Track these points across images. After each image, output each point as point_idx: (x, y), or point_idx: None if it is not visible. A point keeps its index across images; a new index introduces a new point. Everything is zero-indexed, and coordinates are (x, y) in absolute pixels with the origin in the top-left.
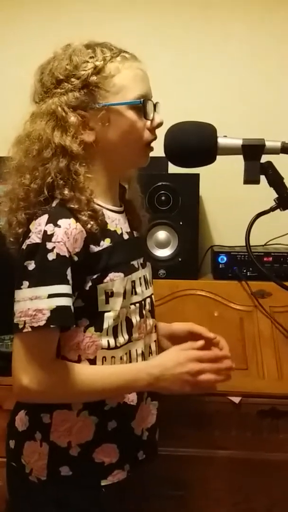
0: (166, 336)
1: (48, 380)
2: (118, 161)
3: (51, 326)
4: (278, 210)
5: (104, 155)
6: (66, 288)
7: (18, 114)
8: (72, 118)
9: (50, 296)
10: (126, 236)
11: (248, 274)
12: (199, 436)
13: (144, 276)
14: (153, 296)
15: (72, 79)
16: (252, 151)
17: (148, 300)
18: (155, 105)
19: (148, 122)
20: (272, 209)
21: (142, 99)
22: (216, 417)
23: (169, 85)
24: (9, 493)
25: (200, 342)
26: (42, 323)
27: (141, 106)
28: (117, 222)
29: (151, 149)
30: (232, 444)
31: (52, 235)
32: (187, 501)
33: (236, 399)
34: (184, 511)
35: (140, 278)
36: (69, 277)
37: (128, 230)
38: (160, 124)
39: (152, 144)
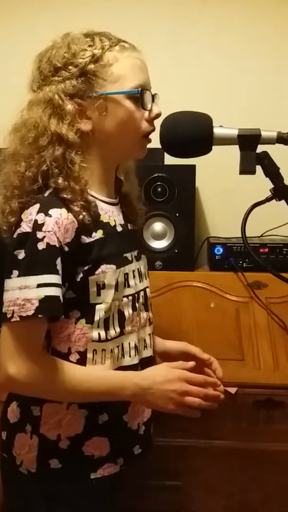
0: (158, 352)
1: (36, 373)
2: (115, 152)
3: (39, 316)
4: (274, 200)
5: (100, 144)
6: (55, 278)
7: (13, 105)
8: (69, 106)
9: (39, 285)
10: (119, 228)
11: (244, 266)
12: (195, 427)
13: (138, 269)
14: (148, 289)
15: (70, 67)
16: (248, 141)
17: (142, 293)
18: (153, 96)
19: (146, 113)
20: (268, 200)
21: (140, 89)
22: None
23: (165, 76)
24: (2, 484)
25: (191, 363)
26: (30, 312)
27: (139, 96)
28: (110, 214)
29: (149, 140)
30: (228, 434)
31: (42, 224)
32: (182, 492)
33: (232, 390)
34: (179, 501)
35: (133, 271)
36: (58, 267)
37: (122, 222)
38: (158, 115)
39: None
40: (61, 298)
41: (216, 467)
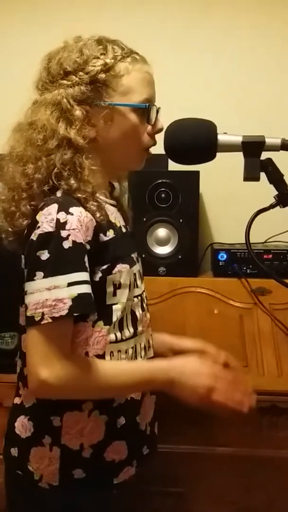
0: (175, 351)
1: (69, 374)
2: (114, 161)
3: (74, 314)
4: (278, 207)
5: (102, 152)
6: (85, 275)
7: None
8: (78, 112)
9: (70, 284)
10: (123, 230)
11: (248, 272)
12: (198, 433)
13: (139, 270)
14: (145, 292)
15: (81, 73)
16: (252, 148)
17: (144, 294)
18: (157, 110)
19: (149, 127)
20: (272, 206)
21: (147, 104)
22: (215, 414)
23: (169, 81)
24: (12, 501)
25: (223, 356)
26: (64, 312)
27: (145, 110)
28: (115, 215)
29: (149, 154)
30: (231, 441)
31: (65, 222)
32: (186, 498)
33: None
34: (183, 508)
35: (138, 272)
36: (86, 264)
37: (124, 224)
38: (160, 130)
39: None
40: (92, 295)
41: (220, 473)
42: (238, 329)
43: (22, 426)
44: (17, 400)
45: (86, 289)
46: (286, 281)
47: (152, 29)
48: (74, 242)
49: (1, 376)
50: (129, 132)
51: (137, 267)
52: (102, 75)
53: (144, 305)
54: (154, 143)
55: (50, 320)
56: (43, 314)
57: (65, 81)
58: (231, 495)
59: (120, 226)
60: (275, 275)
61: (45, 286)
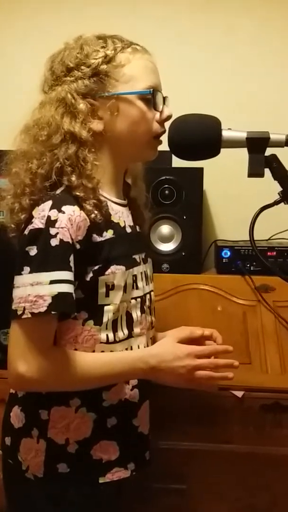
0: None
1: (46, 368)
2: (126, 152)
3: (52, 312)
4: (282, 204)
5: (111, 145)
6: (68, 275)
7: (20, 108)
8: (82, 105)
9: (52, 282)
10: (128, 230)
11: (252, 269)
12: (201, 430)
13: (145, 271)
14: (152, 293)
15: (83, 67)
16: (256, 144)
17: (148, 296)
18: (164, 99)
19: (157, 114)
20: (276, 203)
21: (151, 90)
22: (218, 411)
23: (173, 77)
24: (5, 489)
25: (199, 332)
26: (43, 309)
27: (150, 97)
28: (120, 215)
29: (160, 142)
30: (234, 438)
31: (55, 220)
32: (189, 495)
33: (239, 393)
34: (186, 506)
35: (141, 273)
36: (71, 263)
37: (131, 224)
38: (169, 117)
39: None
40: (73, 295)
41: (222, 471)
42: (241, 326)
43: (16, 416)
44: (12, 390)
45: (67, 288)
46: None
47: (154, 27)
48: (61, 240)
49: (2, 372)
50: (136, 120)
51: (141, 269)
52: (104, 67)
53: (145, 307)
54: (164, 131)
55: (29, 315)
56: (24, 308)
57: (68, 78)
58: (234, 493)
59: (124, 226)
60: (279, 272)
61: (29, 281)
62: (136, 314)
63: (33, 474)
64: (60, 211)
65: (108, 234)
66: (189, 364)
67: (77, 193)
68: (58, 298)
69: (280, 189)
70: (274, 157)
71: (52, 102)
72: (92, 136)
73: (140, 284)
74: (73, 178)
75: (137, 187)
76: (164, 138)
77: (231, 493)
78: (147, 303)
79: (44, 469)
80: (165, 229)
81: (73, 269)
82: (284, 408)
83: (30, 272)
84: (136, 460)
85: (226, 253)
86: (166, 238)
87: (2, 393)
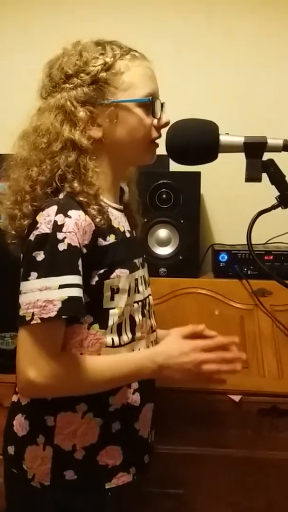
0: None
1: (56, 373)
2: (124, 158)
3: (63, 317)
4: (280, 208)
5: (110, 151)
6: (77, 279)
7: (18, 112)
8: (81, 113)
9: (61, 286)
10: (128, 234)
11: (249, 273)
12: (199, 434)
13: (143, 276)
14: (151, 297)
15: (82, 74)
16: (254, 149)
17: (147, 300)
18: (162, 105)
19: (155, 121)
20: (273, 207)
21: (150, 97)
22: (216, 415)
23: (171, 82)
24: (8, 500)
25: (202, 326)
26: (53, 314)
27: (149, 104)
28: (119, 220)
29: (157, 145)
30: (232, 442)
31: (62, 225)
32: (186, 500)
33: (237, 398)
34: (183, 510)
35: (141, 277)
36: (80, 267)
37: (129, 229)
38: (167, 124)
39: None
40: (83, 299)
41: (220, 475)
42: (238, 330)
43: (19, 424)
44: (14, 398)
45: (77, 292)
46: (287, 282)
47: (154, 31)
48: (69, 245)
49: (1, 376)
50: (135, 127)
51: (141, 273)
52: (103, 74)
53: (146, 311)
54: (159, 136)
55: (39, 321)
56: (33, 314)
57: (67, 85)
58: (231, 497)
59: (124, 231)
60: (276, 276)
61: (37, 286)
62: (138, 317)
63: (40, 482)
64: (66, 215)
65: (111, 238)
66: (195, 358)
67: (81, 198)
68: (68, 302)
69: (277, 193)
70: (271, 161)
71: (51, 109)
72: (92, 143)
73: (140, 288)
74: (75, 184)
75: (131, 192)
76: (162, 142)
77: (229, 496)
78: (147, 307)
79: (51, 477)
80: (162, 233)
81: (81, 273)
82: (282, 412)
83: (38, 278)
84: (136, 464)
85: (224, 257)
86: (164, 242)
87: (1, 397)
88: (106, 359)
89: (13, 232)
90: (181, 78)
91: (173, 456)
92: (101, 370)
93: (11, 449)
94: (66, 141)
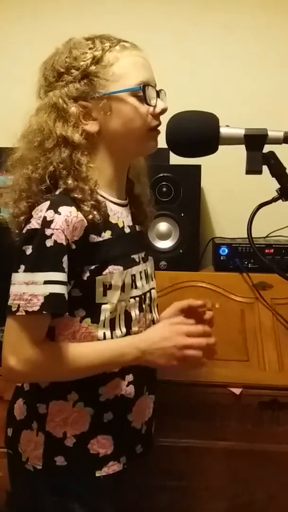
0: None
1: (35, 360)
2: (123, 150)
3: (43, 312)
4: (280, 201)
5: (109, 144)
6: (61, 276)
7: (19, 105)
8: (73, 109)
9: (46, 282)
10: (127, 230)
11: (249, 266)
12: (199, 427)
13: (145, 270)
14: (154, 290)
15: (72, 71)
16: (254, 141)
17: (148, 294)
18: (159, 92)
19: (151, 108)
20: (274, 200)
21: (142, 85)
22: (216, 408)
23: (170, 75)
24: (10, 479)
25: (191, 321)
26: (36, 308)
27: (141, 92)
28: (119, 215)
29: (158, 132)
30: (232, 435)
31: (51, 221)
32: (187, 492)
33: (237, 391)
34: (184, 502)
35: (140, 272)
36: (65, 264)
37: (130, 223)
38: (164, 110)
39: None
40: (65, 295)
41: (220, 468)
42: (239, 324)
43: (19, 408)
44: (18, 383)
45: (59, 289)
46: None
47: (154, 24)
48: (55, 242)
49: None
50: (130, 117)
51: (140, 268)
52: (93, 68)
53: (145, 305)
54: (159, 123)
55: (23, 313)
56: (19, 306)
57: (59, 82)
58: (231, 490)
59: (123, 227)
60: (277, 269)
61: (24, 279)
62: (134, 313)
63: (33, 465)
64: (56, 212)
65: (106, 234)
66: (178, 343)
67: (75, 195)
68: (50, 298)
69: (278, 186)
70: (272, 154)
71: (45, 108)
72: (88, 138)
73: (139, 283)
74: (69, 181)
75: (141, 183)
76: (162, 135)
77: (229, 489)
78: (147, 301)
79: (43, 461)
80: (162, 226)
81: (66, 270)
82: (282, 405)
83: (24, 271)
84: (127, 454)
85: (224, 251)
86: (164, 235)
87: (1, 391)
88: (88, 345)
89: (17, 231)
90: (181, 71)
91: (173, 449)
92: (82, 356)
93: (9, 431)
94: (58, 137)
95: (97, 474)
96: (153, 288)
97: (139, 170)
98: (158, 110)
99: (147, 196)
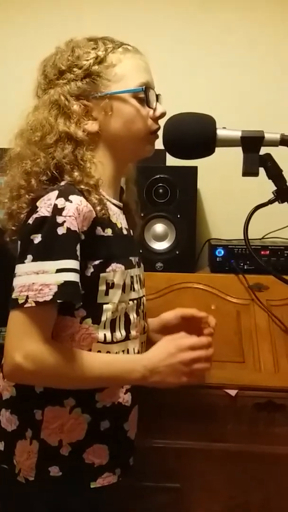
0: (158, 330)
1: (45, 359)
2: (123, 151)
3: (58, 301)
4: (277, 203)
5: (108, 144)
6: (74, 264)
7: (18, 106)
8: (75, 106)
9: (58, 270)
10: (125, 232)
11: (245, 268)
12: (195, 429)
13: (139, 275)
14: (145, 298)
15: (75, 69)
16: (251, 143)
17: (142, 300)
18: (157, 96)
19: (151, 111)
20: (270, 202)
21: (144, 87)
22: (212, 410)
23: (168, 77)
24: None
25: (194, 337)
26: (48, 298)
27: (143, 94)
28: (117, 216)
29: (156, 137)
30: (228, 437)
31: (63, 209)
32: (183, 494)
33: (233, 392)
34: (179, 504)
35: (136, 276)
36: (78, 252)
37: (126, 226)
38: (163, 114)
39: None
40: (79, 284)
41: (216, 469)
42: (235, 325)
43: (7, 420)
44: None
45: (73, 277)
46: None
47: (151, 26)
48: (68, 229)
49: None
50: (130, 118)
51: (136, 271)
52: (95, 67)
53: (140, 311)
54: (158, 127)
55: (33, 304)
56: (27, 297)
57: (61, 80)
58: (227, 491)
59: (121, 228)
60: (273, 270)
61: (33, 269)
62: (133, 316)
63: (25, 477)
64: (67, 200)
65: (108, 232)
66: (185, 358)
67: (82, 186)
68: (64, 286)
69: (274, 188)
70: (268, 156)
71: (45, 104)
72: (88, 136)
73: (136, 286)
74: (75, 173)
75: (129, 191)
76: (159, 136)
77: (225, 491)
78: (142, 306)
79: (36, 472)
80: (159, 227)
81: (79, 258)
82: (278, 407)
83: (33, 260)
84: (121, 466)
85: (220, 252)
86: (160, 236)
87: None
88: (97, 356)
89: (13, 228)
90: (178, 72)
91: (169, 451)
92: (91, 366)
93: (0, 445)
94: (61, 133)
95: (92, 485)
96: (144, 296)
97: (128, 178)
98: (158, 113)
99: (134, 205)
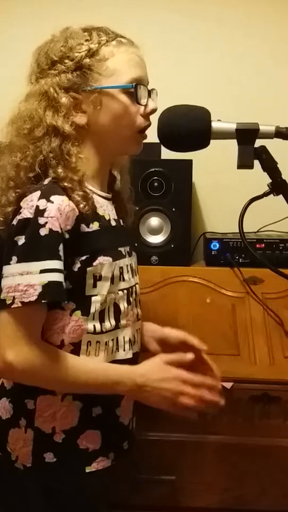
0: (156, 339)
1: (35, 359)
2: (110, 146)
3: (43, 301)
4: (271, 196)
5: (95, 138)
6: (58, 264)
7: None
8: (64, 99)
9: (42, 271)
10: (113, 223)
11: (241, 261)
12: (190, 421)
13: (130, 264)
14: (137, 285)
15: (66, 61)
16: (246, 135)
17: (134, 288)
18: (150, 92)
19: (142, 108)
20: (265, 194)
21: (134, 84)
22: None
23: (162, 69)
24: None
25: (190, 355)
26: (33, 298)
27: (133, 90)
28: (105, 208)
29: (144, 136)
30: (223, 429)
31: (44, 210)
32: (178, 486)
33: (228, 385)
34: (175, 496)
35: (127, 266)
36: (61, 252)
37: (115, 217)
38: (153, 111)
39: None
40: (64, 284)
41: (211, 462)
42: (230, 318)
43: (4, 408)
44: None
45: (57, 277)
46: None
47: (145, 17)
48: (50, 230)
49: None
50: (119, 114)
51: (127, 261)
52: (87, 60)
53: (132, 299)
54: (149, 125)
55: (19, 305)
56: (14, 298)
57: (52, 71)
58: (222, 483)
59: (109, 219)
60: (268, 263)
61: (18, 270)
62: (123, 305)
63: (22, 463)
64: (49, 200)
65: (94, 226)
66: (174, 388)
67: (65, 184)
68: (49, 287)
69: (269, 180)
70: (263, 148)
71: (36, 95)
72: (76, 129)
73: (126, 276)
74: (59, 170)
75: (122, 180)
76: (154, 129)
77: (220, 483)
78: (133, 295)
79: (32, 459)
80: (154, 221)
81: (62, 258)
82: (273, 399)
83: (18, 262)
84: (114, 450)
85: (215, 245)
86: (155, 230)
87: None
88: (87, 362)
89: (1, 218)
90: (173, 64)
91: (164, 443)
92: (78, 370)
93: None
94: (48, 126)
95: (87, 469)
96: (137, 283)
97: (121, 166)
98: (148, 110)
99: (127, 193)
